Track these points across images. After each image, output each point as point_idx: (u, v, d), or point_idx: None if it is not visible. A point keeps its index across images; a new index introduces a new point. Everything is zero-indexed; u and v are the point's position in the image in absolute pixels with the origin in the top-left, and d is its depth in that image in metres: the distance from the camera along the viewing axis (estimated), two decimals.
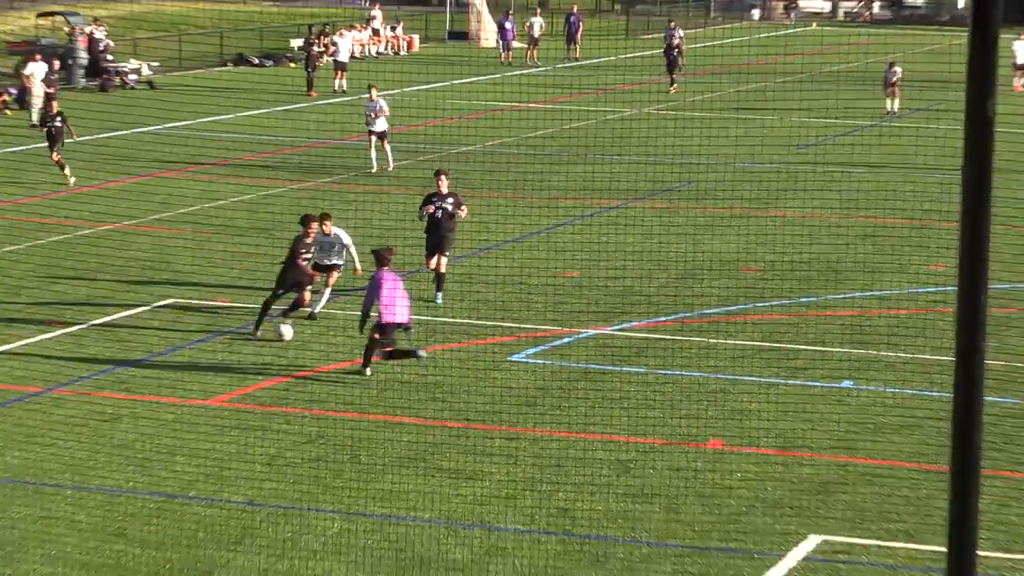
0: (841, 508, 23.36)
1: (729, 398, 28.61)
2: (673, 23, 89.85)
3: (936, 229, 42.26)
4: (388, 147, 52.36)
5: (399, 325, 29.53)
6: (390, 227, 36.97)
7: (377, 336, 29.05)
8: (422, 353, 29.71)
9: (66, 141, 48.60)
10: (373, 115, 51.92)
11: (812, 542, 22.05)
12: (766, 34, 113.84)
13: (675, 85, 78.52)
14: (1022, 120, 48.10)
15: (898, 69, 71.91)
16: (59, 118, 48.06)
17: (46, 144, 48.92)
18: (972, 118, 9.94)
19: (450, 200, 35.11)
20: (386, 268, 29.66)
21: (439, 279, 34.59)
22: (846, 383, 29.65)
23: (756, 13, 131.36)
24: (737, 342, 32.36)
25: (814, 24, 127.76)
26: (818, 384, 29.56)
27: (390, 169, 51.83)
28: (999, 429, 25.91)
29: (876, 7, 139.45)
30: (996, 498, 22.77)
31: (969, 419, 10.09)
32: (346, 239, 33.26)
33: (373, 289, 29.32)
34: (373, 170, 51.64)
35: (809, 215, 45.32)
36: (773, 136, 61.43)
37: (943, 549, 10.15)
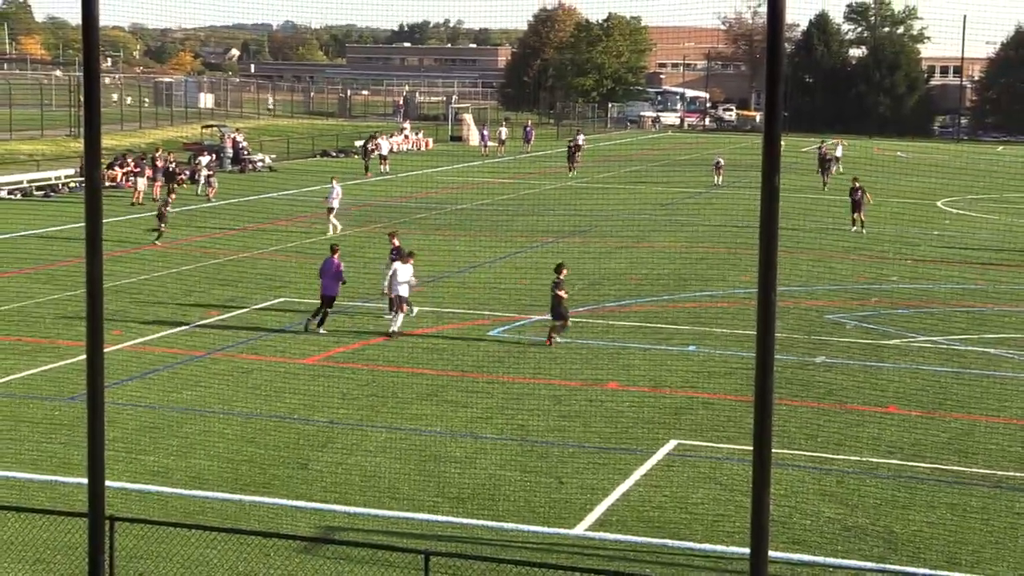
0: (689, 423, 23.32)
1: (620, 357, 28.56)
2: (579, 131, 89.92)
3: (743, 255, 42.27)
4: (333, 218, 47.62)
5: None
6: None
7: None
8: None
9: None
10: (333, 196, 48.03)
11: (672, 443, 22.01)
12: (640, 137, 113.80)
13: (572, 171, 74.84)
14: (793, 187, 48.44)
15: (721, 159, 72.07)
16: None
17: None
18: (765, 188, 9.93)
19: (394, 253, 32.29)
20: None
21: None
22: (691, 347, 29.61)
23: (634, 125, 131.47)
24: (625, 323, 32.29)
25: (670, 132, 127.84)
26: (674, 348, 29.51)
27: (338, 232, 46.64)
28: (783, 375, 25.97)
29: (707, 121, 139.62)
30: (781, 416, 22.79)
31: (765, 366, 10.10)
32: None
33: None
34: (329, 234, 46.42)
35: (668, 246, 45.31)
36: (645, 198, 61.39)
37: (750, 448, 10.13)
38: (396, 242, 33.18)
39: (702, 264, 41.54)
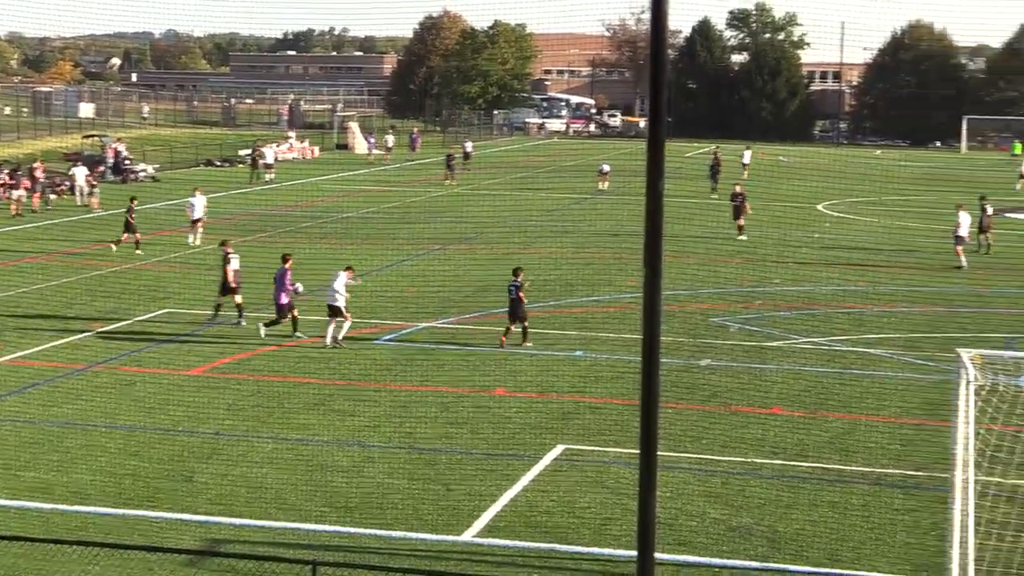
0: (576, 428, 23.43)
1: (507, 362, 28.57)
2: (466, 138, 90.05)
3: (629, 260, 42.58)
4: (200, 229, 47.08)
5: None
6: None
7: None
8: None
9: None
10: (194, 207, 47.16)
11: (559, 448, 22.10)
12: (527, 144, 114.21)
13: (453, 180, 73.27)
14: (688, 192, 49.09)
15: (606, 165, 72.47)
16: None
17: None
18: (650, 193, 10.01)
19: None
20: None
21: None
22: (578, 352, 29.75)
23: (519, 131, 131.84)
24: (513, 329, 32.35)
25: (555, 138, 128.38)
26: (561, 354, 29.62)
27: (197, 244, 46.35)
28: (668, 378, 26.20)
29: (592, 127, 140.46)
30: (667, 419, 22.98)
31: (651, 370, 10.18)
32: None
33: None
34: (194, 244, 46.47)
35: (554, 252, 45.50)
36: (531, 204, 61.60)
37: (637, 451, 10.20)
38: (229, 250, 33.15)
39: (588, 269, 41.76)
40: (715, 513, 18.95)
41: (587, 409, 24.67)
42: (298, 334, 30.58)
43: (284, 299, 30.70)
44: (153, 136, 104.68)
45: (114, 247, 44.04)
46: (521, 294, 30.16)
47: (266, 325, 30.77)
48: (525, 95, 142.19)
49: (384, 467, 20.92)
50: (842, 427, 23.74)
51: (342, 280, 30.59)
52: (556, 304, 35.69)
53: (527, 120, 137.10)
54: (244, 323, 31.99)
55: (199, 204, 47.58)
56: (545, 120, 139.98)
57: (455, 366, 28.20)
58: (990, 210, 49.48)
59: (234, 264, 32.78)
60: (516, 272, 30.53)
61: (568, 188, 71.15)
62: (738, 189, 51.30)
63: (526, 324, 30.35)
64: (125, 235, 44.42)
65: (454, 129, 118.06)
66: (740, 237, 49.87)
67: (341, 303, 30.31)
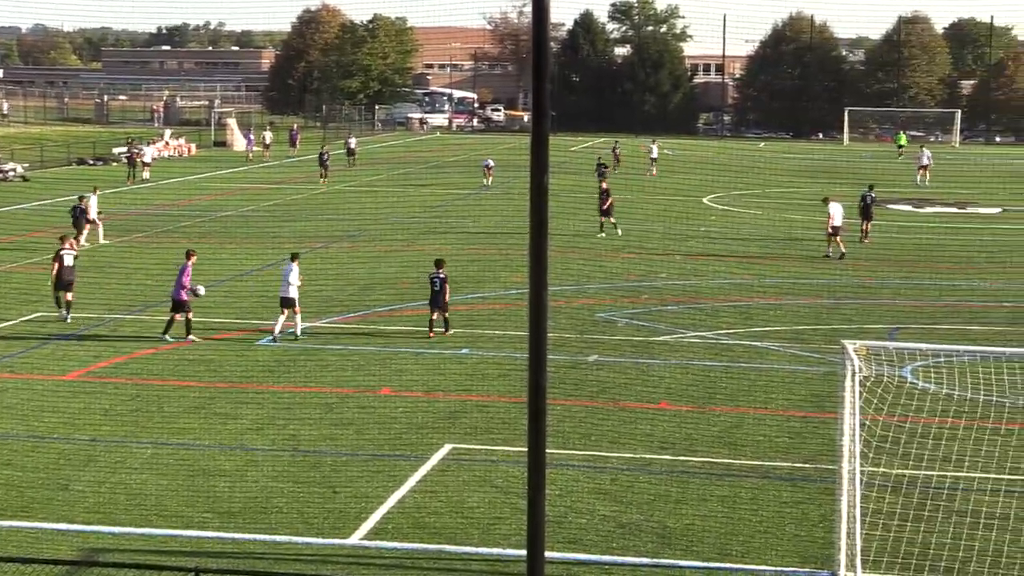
0: (463, 427, 23.43)
1: (393, 362, 28.53)
2: (350, 133, 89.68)
3: (514, 255, 42.69)
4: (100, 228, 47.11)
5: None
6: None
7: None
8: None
9: None
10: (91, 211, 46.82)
11: (446, 448, 22.09)
12: (410, 139, 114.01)
13: (325, 179, 71.26)
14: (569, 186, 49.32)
15: (491, 160, 72.56)
16: None
17: None
18: (534, 188, 10.04)
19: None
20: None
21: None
22: (464, 350, 29.76)
23: (402, 127, 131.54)
24: (397, 328, 32.29)
25: (438, 133, 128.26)
26: (447, 352, 29.60)
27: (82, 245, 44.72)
28: (556, 375, 26.33)
29: (475, 122, 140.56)
30: (555, 416, 23.08)
31: (538, 367, 10.20)
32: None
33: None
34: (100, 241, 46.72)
35: (439, 249, 45.45)
36: (415, 201, 61.49)
37: (525, 449, 10.22)
38: (66, 246, 33.35)
39: (474, 266, 41.77)
40: (605, 510, 19.07)
41: (474, 408, 24.69)
42: (191, 337, 30.23)
43: (183, 296, 30.39)
44: (22, 134, 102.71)
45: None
46: (447, 285, 31.20)
47: (164, 332, 30.38)
48: (407, 90, 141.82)
49: (268, 470, 20.76)
50: (730, 421, 24.02)
51: (296, 272, 30.84)
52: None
53: (409, 115, 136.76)
54: (69, 319, 32.02)
55: (94, 204, 47.23)
56: (427, 115, 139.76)
57: (339, 366, 28.07)
58: (871, 197, 50.72)
59: (67, 260, 32.67)
60: (439, 264, 31.46)
61: (452, 184, 71.12)
62: (604, 185, 50.91)
63: (447, 315, 31.20)
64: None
65: (335, 125, 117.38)
66: (600, 235, 49.10)
67: (295, 294, 30.57)
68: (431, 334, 30.97)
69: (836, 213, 45.47)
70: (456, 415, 24.15)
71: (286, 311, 30.55)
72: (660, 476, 20.75)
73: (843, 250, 44.96)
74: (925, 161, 76.94)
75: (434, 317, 31.26)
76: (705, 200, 63.55)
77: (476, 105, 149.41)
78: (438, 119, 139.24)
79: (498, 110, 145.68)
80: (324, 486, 20.00)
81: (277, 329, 30.44)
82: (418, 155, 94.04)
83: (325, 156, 72.36)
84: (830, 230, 45.39)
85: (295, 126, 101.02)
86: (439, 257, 32.50)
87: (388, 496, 19.55)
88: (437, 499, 19.48)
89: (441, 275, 31.17)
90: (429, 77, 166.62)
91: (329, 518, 18.61)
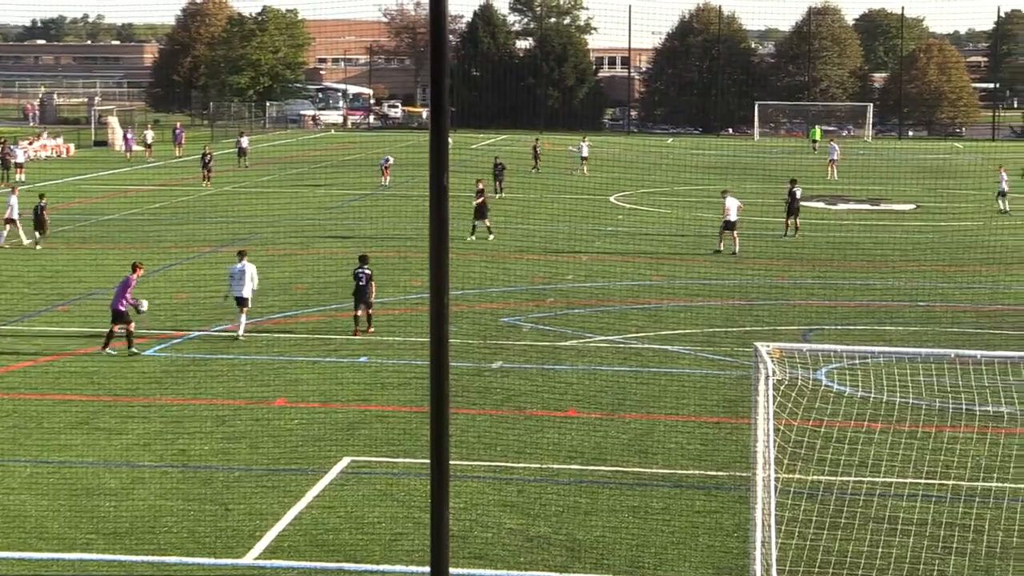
0: (362, 439, 23.36)
1: (287, 371, 28.38)
2: (242, 132, 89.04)
3: (414, 258, 42.64)
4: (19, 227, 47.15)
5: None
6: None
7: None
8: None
9: None
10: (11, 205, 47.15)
11: (345, 461, 22.01)
12: (303, 137, 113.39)
13: (208, 182, 69.56)
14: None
15: (390, 158, 72.33)
16: None
17: None
18: (434, 188, 10.04)
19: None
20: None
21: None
22: (363, 358, 29.68)
23: (294, 124, 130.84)
24: (292, 336, 32.12)
25: (332, 130, 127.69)
26: (345, 360, 29.49)
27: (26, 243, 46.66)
28: (459, 383, 26.35)
29: (372, 119, 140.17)
30: (459, 426, 23.10)
31: (440, 374, 10.21)
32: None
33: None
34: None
35: (335, 252, 45.28)
36: (309, 202, 61.20)
37: (428, 461, 10.21)
38: None
39: (372, 270, 41.60)
40: (511, 523, 19.10)
41: (374, 418, 24.63)
42: (133, 350, 29.87)
43: (122, 306, 29.98)
44: None
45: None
46: (373, 282, 32.39)
47: (104, 347, 30.00)
48: (299, 85, 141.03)
49: (156, 488, 20.55)
50: (641, 428, 24.18)
51: (251, 270, 31.84)
52: (338, 308, 35.51)
53: (302, 112, 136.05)
54: None
55: (15, 203, 47.49)
56: (321, 112, 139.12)
57: (231, 377, 27.86)
58: (799, 193, 51.61)
59: None
60: (363, 260, 32.68)
61: (348, 183, 70.85)
62: (481, 186, 50.32)
63: (371, 312, 32.22)
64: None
65: (223, 123, 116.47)
66: (470, 238, 48.54)
67: (249, 293, 31.63)
68: (356, 333, 31.85)
69: (731, 208, 46.09)
70: (355, 426, 24.07)
71: (244, 310, 31.60)
72: (569, 487, 20.83)
73: (736, 248, 45.60)
74: (834, 156, 78.22)
75: (358, 314, 32.14)
76: (612, 199, 63.89)
77: (372, 101, 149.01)
78: (332, 116, 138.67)
79: (395, 106, 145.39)
80: (216, 503, 19.84)
81: (241, 330, 31.51)
82: (311, 154, 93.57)
83: (208, 158, 70.78)
84: (723, 224, 46.27)
85: (178, 125, 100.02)
86: (364, 253, 33.65)
87: (284, 513, 19.44)
88: (336, 515, 19.40)
89: (366, 271, 32.20)
90: (322, 72, 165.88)
91: (222, 537, 18.46)
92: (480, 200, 48.84)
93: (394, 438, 23.27)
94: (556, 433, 23.69)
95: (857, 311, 36.11)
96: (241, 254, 32.48)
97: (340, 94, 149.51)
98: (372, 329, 32.19)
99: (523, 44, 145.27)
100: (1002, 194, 61.37)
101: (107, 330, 30.22)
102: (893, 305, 37.06)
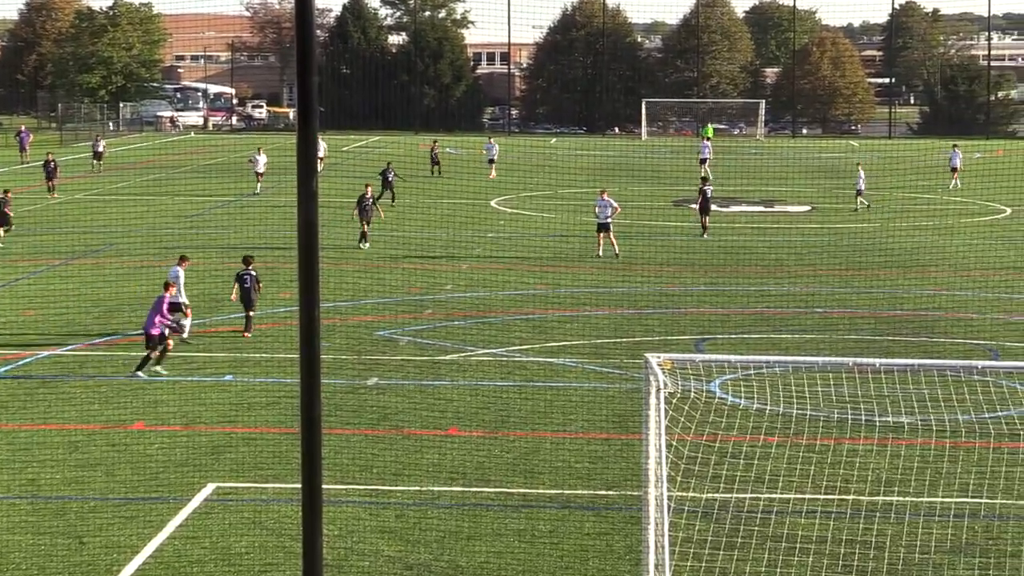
0: (228, 463, 23.19)
1: (146, 392, 28.08)
2: (98, 136, 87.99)
3: (282, 269, 42.38)
4: None
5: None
6: None
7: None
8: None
9: None
10: None
11: (209, 488, 21.82)
12: (160, 141, 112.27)
13: (54, 192, 67.34)
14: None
15: (261, 157, 70.98)
16: None
17: None
18: (302, 193, 9.99)
19: None
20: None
21: None
22: (228, 377, 29.46)
23: (151, 126, 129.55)
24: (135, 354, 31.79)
25: (192, 133, 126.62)
26: (209, 379, 29.26)
27: None
28: (332, 402, 26.27)
29: (235, 120, 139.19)
30: (332, 447, 23.00)
31: (311, 393, 10.15)
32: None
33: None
34: None
35: (197, 263, 44.81)
36: (168, 210, 60.60)
37: (299, 486, 10.15)
38: None
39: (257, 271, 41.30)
40: (390, 550, 19.06)
41: (240, 441, 24.45)
42: (160, 369, 29.56)
43: (155, 330, 29.41)
44: None
45: None
46: (259, 284, 33.70)
47: (139, 368, 29.45)
48: (155, 85, 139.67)
49: (3, 521, 20.21)
50: (526, 446, 24.25)
51: (180, 275, 32.85)
52: (200, 323, 35.21)
53: (159, 114, 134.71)
54: None
55: None
56: (179, 113, 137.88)
57: (85, 399, 27.50)
58: (710, 192, 53.26)
59: None
60: (247, 261, 33.85)
61: (210, 190, 70.23)
62: (368, 192, 50.01)
63: (251, 313, 33.37)
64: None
65: (72, 125, 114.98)
66: (364, 245, 48.70)
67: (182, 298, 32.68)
68: (246, 334, 33.19)
69: (605, 208, 46.54)
70: (220, 450, 23.88)
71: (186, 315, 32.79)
72: (450, 510, 20.82)
73: (616, 251, 46.11)
74: (705, 154, 79.14)
75: (251, 314, 33.43)
76: (493, 203, 64.06)
77: (235, 101, 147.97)
78: (192, 117, 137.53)
79: (260, 107, 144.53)
80: (70, 536, 19.56)
81: (186, 334, 32.52)
82: (170, 158, 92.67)
83: (51, 165, 69.04)
84: (597, 227, 46.77)
85: (23, 128, 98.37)
86: (248, 254, 34.91)
87: (144, 545, 19.22)
88: (200, 546, 19.22)
89: (252, 272, 33.34)
90: (181, 70, 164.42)
91: (76, 573, 18.21)
92: (367, 204, 48.69)
93: (262, 462, 23.12)
94: (436, 453, 23.68)
95: (752, 319, 36.54)
96: (182, 258, 34.08)
97: (200, 94, 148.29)
98: (248, 334, 33.04)
99: (396, 39, 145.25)
100: (859, 192, 62.69)
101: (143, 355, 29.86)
102: (789, 312, 37.56)
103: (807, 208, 64.44)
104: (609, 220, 46.80)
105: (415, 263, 45.43)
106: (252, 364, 30.62)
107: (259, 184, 69.12)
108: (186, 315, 32.96)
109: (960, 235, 54.18)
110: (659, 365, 16.42)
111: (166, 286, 30.95)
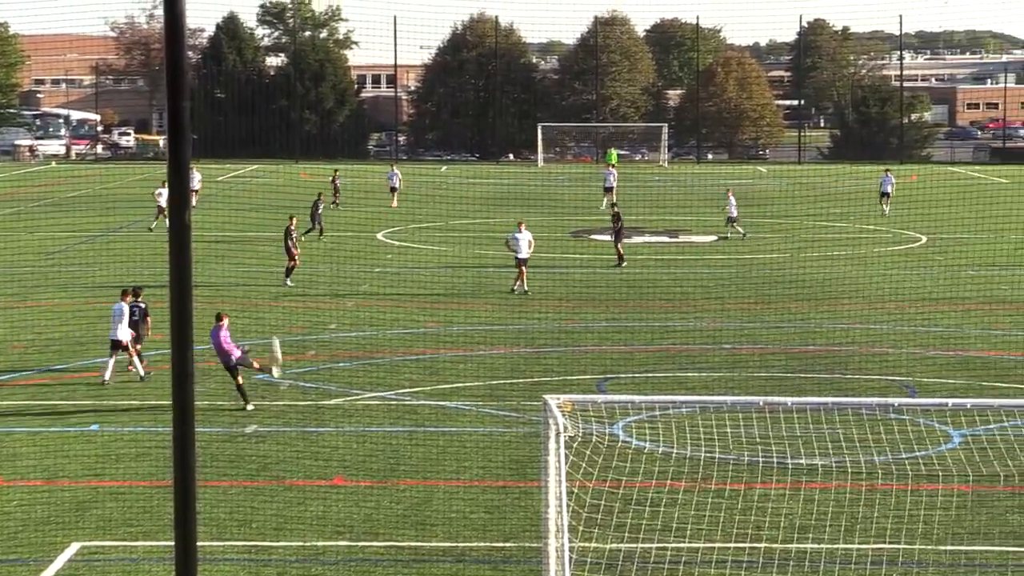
0: (94, 520, 22.92)
1: (3, 445, 27.70)
2: None
3: (153, 309, 42.00)
4: None
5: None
6: None
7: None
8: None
9: None
10: None
11: (74, 547, 21.55)
12: (16, 171, 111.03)
13: None
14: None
15: (165, 190, 70.21)
16: None
17: None
18: (174, 227, 9.93)
19: None
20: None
21: None
22: (94, 426, 29.15)
23: (7, 156, 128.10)
24: (8, 402, 31.37)
25: (53, 163, 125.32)
26: (73, 429, 28.92)
27: None
28: (207, 451, 26.06)
29: (100, 148, 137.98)
30: (207, 501, 22.81)
31: (184, 442, 10.07)
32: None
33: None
34: None
35: (59, 304, 44.40)
36: (26, 246, 59.84)
37: (172, 543, 10.06)
38: None
39: (102, 324, 40.85)
40: None
41: (107, 496, 24.18)
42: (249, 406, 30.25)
43: (237, 353, 30.45)
44: None
45: None
46: (149, 317, 33.78)
47: (245, 402, 30.28)
48: (12, 111, 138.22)
49: None
50: (418, 496, 24.19)
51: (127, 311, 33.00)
52: (64, 368, 34.82)
53: (16, 142, 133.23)
54: None
55: None
56: (39, 141, 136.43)
57: None
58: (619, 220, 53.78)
59: None
60: (137, 292, 34.16)
61: (74, 224, 69.52)
62: (293, 224, 49.62)
63: (138, 347, 33.41)
64: None
65: None
66: (288, 281, 49.22)
67: (124, 336, 32.80)
68: (136, 369, 33.24)
69: (522, 241, 46.51)
70: (85, 506, 23.60)
71: (115, 354, 32.80)
72: (336, 566, 20.72)
73: (525, 287, 46.15)
74: (610, 183, 79.39)
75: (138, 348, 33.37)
76: (380, 236, 63.96)
77: (100, 128, 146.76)
78: (53, 146, 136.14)
79: (127, 134, 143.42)
80: None
81: (107, 375, 32.56)
82: (29, 191, 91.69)
83: None
84: (516, 261, 46.74)
85: None
86: (137, 284, 35.16)
87: None
88: None
89: (140, 305, 33.66)
90: (40, 95, 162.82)
91: None
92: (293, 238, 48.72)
93: (132, 518, 22.88)
94: (321, 505, 23.56)
95: (656, 356, 36.75)
96: (125, 292, 33.96)
97: (62, 121, 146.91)
98: (132, 368, 33.15)
99: (274, 61, 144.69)
100: (731, 220, 63.44)
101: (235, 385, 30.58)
102: (696, 348, 37.83)
103: (713, 238, 64.99)
104: (526, 255, 46.71)
105: (296, 301, 45.23)
106: (120, 412, 30.32)
107: (164, 218, 68.29)
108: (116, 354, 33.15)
109: (874, 265, 54.94)
110: (559, 407, 16.47)
111: (218, 317, 31.23)
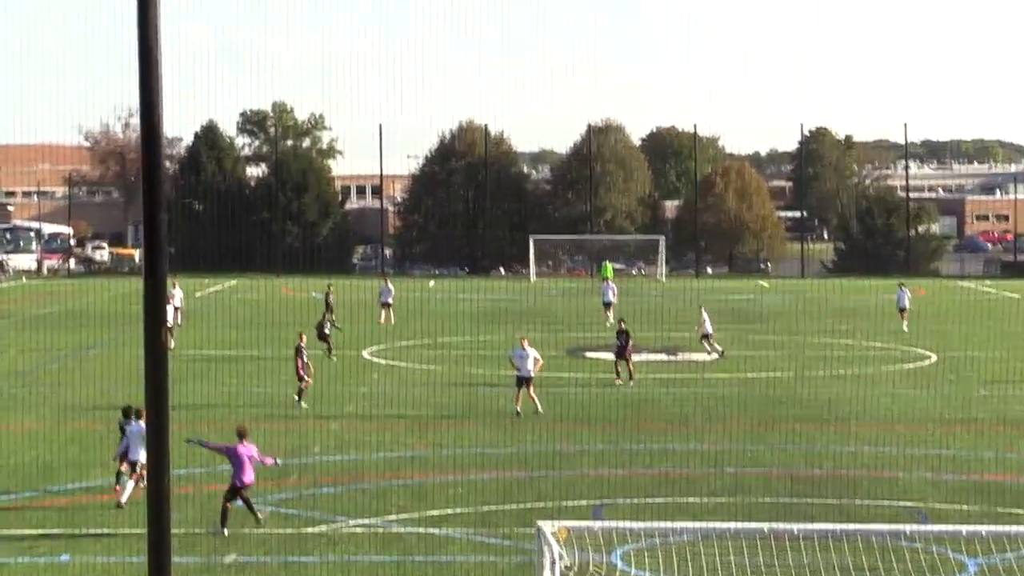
0: None
1: None
2: None
3: None
4: None
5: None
6: None
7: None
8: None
9: None
10: None
11: None
12: None
13: None
14: None
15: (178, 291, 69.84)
16: None
17: None
18: (150, 345, 9.90)
19: None
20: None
21: None
22: (64, 556, 28.93)
23: None
24: None
25: (24, 278, 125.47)
26: (41, 559, 28.73)
27: None
28: None
29: (73, 263, 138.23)
30: None
31: (160, 573, 9.99)
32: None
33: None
34: None
35: (29, 426, 44.25)
36: None
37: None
38: None
39: (75, 446, 40.77)
40: None
41: None
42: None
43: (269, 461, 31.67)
44: None
45: None
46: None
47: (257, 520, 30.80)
48: None
49: None
50: None
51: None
52: (32, 495, 34.62)
53: None
54: None
55: None
56: (9, 255, 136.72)
57: None
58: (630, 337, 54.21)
59: None
60: (140, 414, 33.03)
61: (45, 343, 69.43)
62: (303, 342, 49.37)
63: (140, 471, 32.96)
64: None
65: None
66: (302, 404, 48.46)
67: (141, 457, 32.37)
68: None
69: (528, 358, 46.44)
70: None
71: (135, 475, 32.85)
72: None
73: (537, 407, 46.00)
74: (609, 297, 79.55)
75: (122, 468, 33.52)
76: (365, 353, 63.87)
77: (73, 242, 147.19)
78: (24, 261, 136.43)
79: (101, 248, 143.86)
80: None
81: (125, 497, 32.58)
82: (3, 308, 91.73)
83: None
84: (516, 381, 46.51)
85: None
86: (129, 405, 34.49)
87: None
88: None
89: (141, 425, 32.86)
90: (11, 208, 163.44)
91: None
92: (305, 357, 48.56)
93: None
94: None
95: (655, 480, 36.57)
96: (139, 414, 33.15)
97: (33, 234, 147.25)
98: (119, 488, 33.28)
99: (255, 171, 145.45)
100: (706, 336, 63.42)
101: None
102: (697, 472, 37.65)
103: (714, 356, 64.90)
104: (532, 372, 46.60)
105: (277, 422, 45.03)
106: (92, 541, 30.09)
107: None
108: (132, 477, 33.09)
109: (882, 384, 54.86)
110: (553, 534, 16.36)
111: (241, 436, 31.57)
